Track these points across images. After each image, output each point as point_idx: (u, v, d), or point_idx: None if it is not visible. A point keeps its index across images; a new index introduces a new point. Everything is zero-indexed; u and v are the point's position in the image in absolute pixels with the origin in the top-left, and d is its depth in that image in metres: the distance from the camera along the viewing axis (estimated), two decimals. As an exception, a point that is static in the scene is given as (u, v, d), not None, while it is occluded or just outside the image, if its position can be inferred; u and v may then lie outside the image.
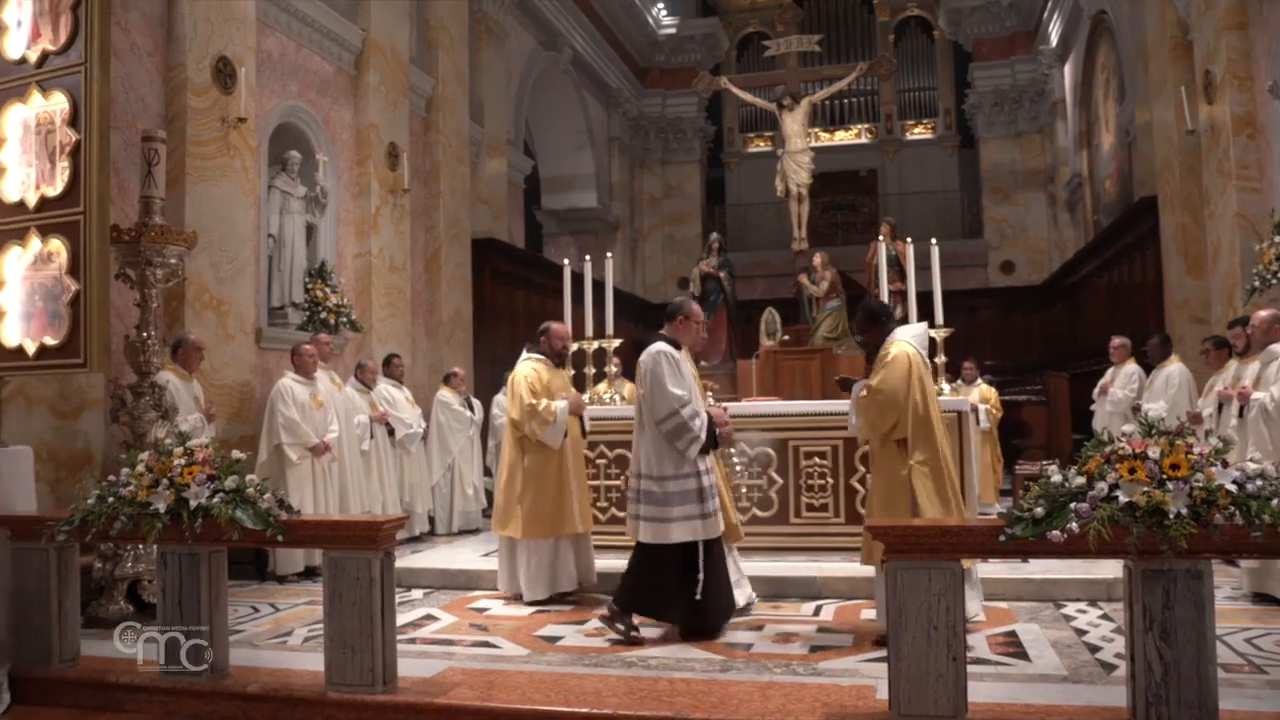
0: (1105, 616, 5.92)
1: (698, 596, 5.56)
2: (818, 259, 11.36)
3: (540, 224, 20.40)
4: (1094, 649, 5.19)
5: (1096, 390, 10.08)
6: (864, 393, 5.41)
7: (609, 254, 8.55)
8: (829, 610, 6.33)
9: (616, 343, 8.13)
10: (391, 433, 9.47)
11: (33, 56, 5.32)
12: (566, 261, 8.36)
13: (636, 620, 5.68)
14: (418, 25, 12.53)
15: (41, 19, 5.29)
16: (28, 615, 5.13)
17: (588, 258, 7.84)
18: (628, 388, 8.64)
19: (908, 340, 5.54)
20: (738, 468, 6.77)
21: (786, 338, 11.26)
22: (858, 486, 7.50)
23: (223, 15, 8.56)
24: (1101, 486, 3.68)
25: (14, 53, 5.40)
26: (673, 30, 22.42)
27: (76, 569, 5.32)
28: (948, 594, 3.87)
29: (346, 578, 4.57)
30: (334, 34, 10.54)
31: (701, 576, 5.56)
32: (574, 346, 7.95)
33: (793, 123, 11.09)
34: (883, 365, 5.42)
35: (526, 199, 17.86)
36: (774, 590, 6.74)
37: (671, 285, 21.58)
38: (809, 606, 6.45)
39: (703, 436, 5.60)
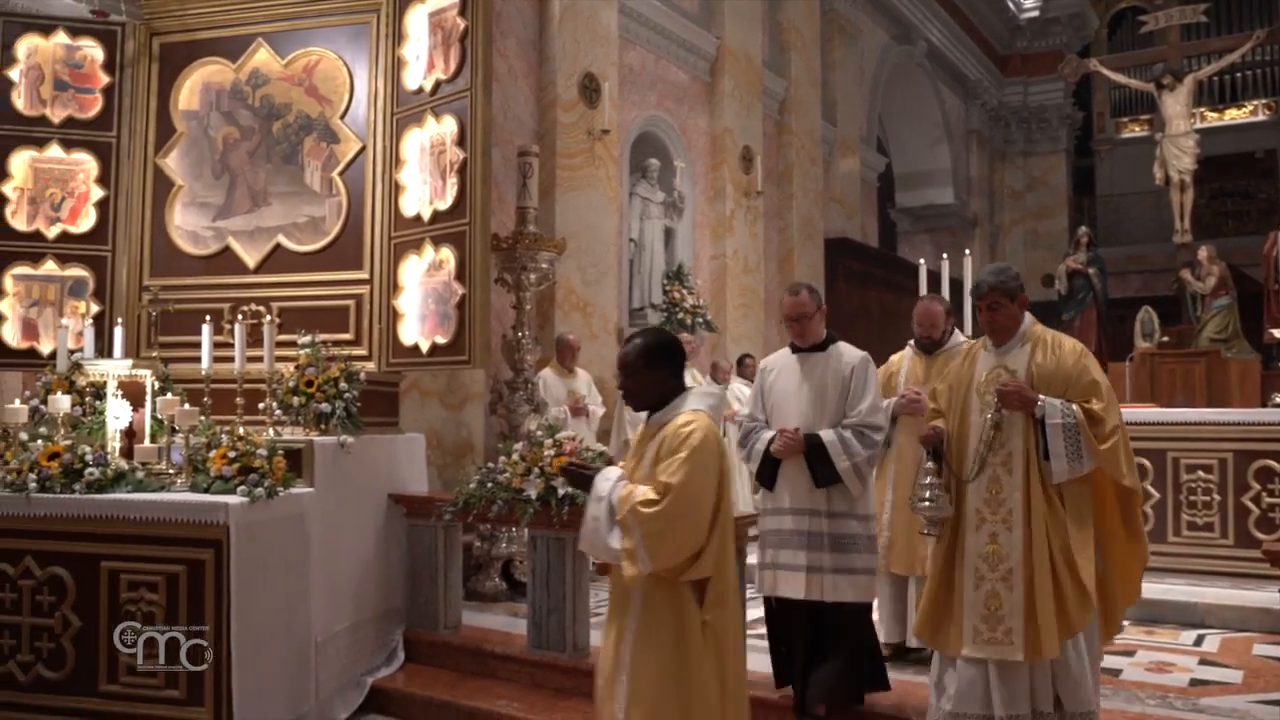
0: None
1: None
2: (1203, 252, 10.34)
3: (894, 222, 19.95)
4: None
5: None
6: (630, 494, 2.97)
7: (967, 251, 8.19)
8: (1213, 641, 5.72)
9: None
10: (742, 430, 9.63)
11: (428, 86, 5.90)
12: (922, 261, 8.10)
13: None
14: (769, 29, 12.68)
15: (435, 52, 5.86)
16: (419, 585, 5.73)
17: (944, 256, 7.54)
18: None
19: (705, 408, 3.12)
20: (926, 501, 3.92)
21: (1166, 339, 10.39)
22: (1250, 506, 6.72)
23: (589, 35, 9.11)
24: None
25: (413, 84, 6.02)
26: (1035, 13, 21.08)
27: (459, 546, 5.88)
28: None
29: (697, 570, 4.69)
30: (690, 44, 10.90)
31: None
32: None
33: (1174, 103, 10.20)
34: (675, 448, 2.97)
35: (880, 197, 17.56)
36: (1146, 614, 6.15)
37: (1035, 283, 20.28)
38: (1189, 635, 5.86)
39: (751, 462, 4.54)
